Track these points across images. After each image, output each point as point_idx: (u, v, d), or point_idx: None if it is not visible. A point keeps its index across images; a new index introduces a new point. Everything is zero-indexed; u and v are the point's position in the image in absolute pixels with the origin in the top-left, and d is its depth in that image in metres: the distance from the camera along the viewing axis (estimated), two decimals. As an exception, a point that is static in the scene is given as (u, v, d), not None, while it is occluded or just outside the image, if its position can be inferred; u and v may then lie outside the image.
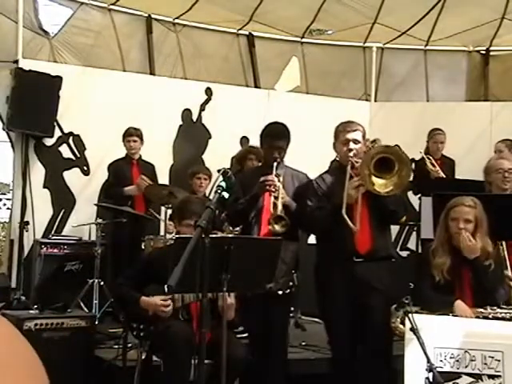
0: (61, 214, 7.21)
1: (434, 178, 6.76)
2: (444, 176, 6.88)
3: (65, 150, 7.28)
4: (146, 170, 6.78)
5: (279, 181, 4.35)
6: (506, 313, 3.78)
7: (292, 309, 6.28)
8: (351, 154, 4.19)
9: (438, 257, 3.99)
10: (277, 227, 4.22)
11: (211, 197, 3.27)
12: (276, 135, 4.49)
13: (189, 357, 3.57)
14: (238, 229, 5.32)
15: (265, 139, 4.56)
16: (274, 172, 4.34)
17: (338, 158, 4.47)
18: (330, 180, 4.37)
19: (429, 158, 6.95)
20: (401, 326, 3.77)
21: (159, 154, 7.43)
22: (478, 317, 3.76)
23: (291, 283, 4.20)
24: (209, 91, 8.06)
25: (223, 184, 3.23)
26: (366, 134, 4.39)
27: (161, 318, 3.85)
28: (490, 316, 3.75)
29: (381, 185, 4.05)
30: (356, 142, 4.24)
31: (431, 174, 6.84)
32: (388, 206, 4.15)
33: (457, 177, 7.14)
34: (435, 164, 6.93)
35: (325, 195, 4.30)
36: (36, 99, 6.71)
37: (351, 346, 4.19)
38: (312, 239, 6.41)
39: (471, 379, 3.49)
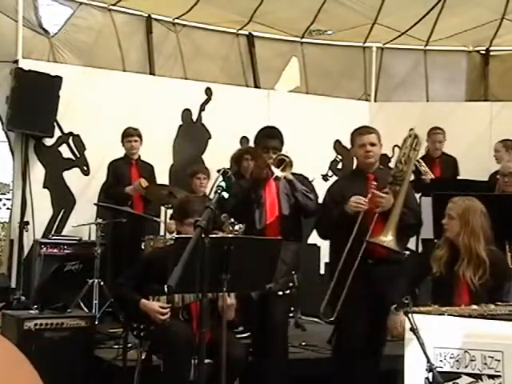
0: (61, 214, 7.21)
1: (432, 179, 6.72)
2: (433, 176, 6.81)
3: (65, 150, 7.27)
4: (144, 170, 6.77)
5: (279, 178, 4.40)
6: (500, 310, 3.77)
7: (292, 309, 6.29)
8: (370, 155, 4.35)
9: (439, 250, 4.08)
10: (279, 172, 4.27)
11: (211, 197, 3.26)
12: (269, 136, 4.61)
13: (189, 357, 3.57)
14: (237, 228, 5.32)
15: (259, 141, 4.66)
16: (275, 174, 4.39)
17: (356, 163, 4.65)
18: (342, 185, 4.56)
19: (419, 162, 6.83)
20: (398, 328, 3.77)
21: (159, 154, 7.42)
22: (471, 315, 3.75)
23: (291, 283, 4.20)
24: (209, 91, 8.05)
25: (223, 184, 3.23)
26: (381, 137, 4.49)
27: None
28: (485, 314, 3.75)
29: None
30: (373, 144, 4.37)
31: (424, 179, 6.74)
32: (409, 220, 4.32)
33: (456, 177, 7.13)
34: (426, 169, 6.85)
35: (337, 202, 4.38)
36: (36, 99, 6.71)
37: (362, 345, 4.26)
38: (312, 239, 6.44)
39: (471, 379, 3.49)
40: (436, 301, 3.84)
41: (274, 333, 4.39)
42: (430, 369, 3.24)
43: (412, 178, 7.58)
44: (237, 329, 4.71)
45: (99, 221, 6.43)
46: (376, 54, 9.07)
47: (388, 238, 4.16)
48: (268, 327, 4.37)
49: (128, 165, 6.74)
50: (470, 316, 3.72)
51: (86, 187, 7.29)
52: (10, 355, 0.77)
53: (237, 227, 5.33)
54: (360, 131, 4.48)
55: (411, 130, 4.51)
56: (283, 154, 4.34)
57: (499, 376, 3.47)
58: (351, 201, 4.17)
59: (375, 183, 4.25)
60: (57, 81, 6.86)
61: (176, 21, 8.31)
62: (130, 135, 6.66)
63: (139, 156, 6.79)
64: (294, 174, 4.62)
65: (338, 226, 4.25)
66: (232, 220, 5.35)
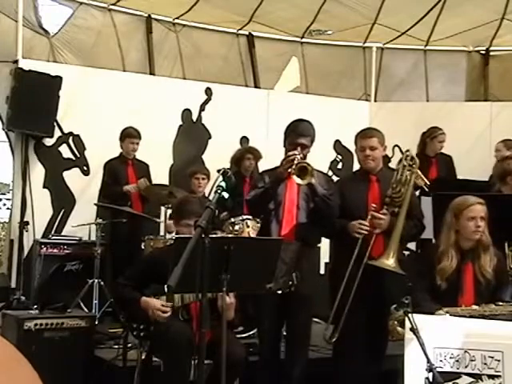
0: (61, 214, 7.21)
1: (432, 179, 6.69)
2: (428, 182, 6.77)
3: (65, 150, 7.28)
4: (140, 169, 6.76)
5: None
6: (500, 310, 3.77)
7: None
8: (368, 160, 4.41)
9: (445, 260, 3.98)
10: (300, 180, 4.16)
11: (211, 197, 3.26)
12: (300, 133, 4.36)
13: (189, 357, 3.57)
14: (237, 228, 5.30)
15: (288, 134, 4.40)
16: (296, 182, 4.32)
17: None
18: (344, 185, 4.60)
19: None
20: (398, 329, 3.76)
21: (159, 154, 7.43)
22: (471, 315, 3.75)
23: (291, 283, 4.19)
24: (209, 91, 8.05)
25: (223, 184, 3.22)
26: (384, 140, 4.50)
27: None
28: (486, 313, 3.75)
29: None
30: (372, 148, 4.40)
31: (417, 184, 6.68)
32: (411, 231, 4.40)
33: (457, 177, 7.11)
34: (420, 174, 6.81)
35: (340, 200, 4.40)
36: (36, 99, 6.71)
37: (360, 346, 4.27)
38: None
39: (471, 379, 3.49)
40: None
41: (296, 337, 4.35)
42: (430, 369, 3.23)
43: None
44: (237, 329, 4.70)
45: (99, 221, 6.43)
46: (376, 54, 9.08)
47: (390, 262, 4.22)
48: (291, 331, 4.34)
49: (124, 164, 6.73)
50: (470, 316, 3.72)
51: (86, 187, 7.29)
52: (8, 355, 0.77)
53: (237, 227, 5.32)
54: (361, 134, 4.49)
55: (407, 151, 4.54)
56: (306, 162, 4.19)
57: (499, 376, 3.47)
58: (355, 226, 4.26)
59: (375, 205, 4.30)
60: (57, 81, 6.86)
61: (176, 21, 8.32)
62: (134, 137, 6.64)
63: (134, 155, 6.79)
64: (317, 171, 4.43)
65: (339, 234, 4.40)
66: (232, 220, 5.33)
